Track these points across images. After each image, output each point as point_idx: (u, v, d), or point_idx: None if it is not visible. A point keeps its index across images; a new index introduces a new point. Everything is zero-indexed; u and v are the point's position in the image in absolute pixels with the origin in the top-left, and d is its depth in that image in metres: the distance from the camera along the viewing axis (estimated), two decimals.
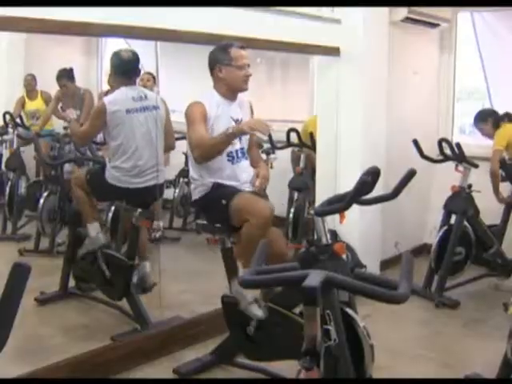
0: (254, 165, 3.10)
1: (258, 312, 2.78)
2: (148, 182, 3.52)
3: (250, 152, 3.14)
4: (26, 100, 5.65)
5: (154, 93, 3.68)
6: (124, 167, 3.46)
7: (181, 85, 5.57)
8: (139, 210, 3.50)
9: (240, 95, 3.06)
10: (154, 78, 4.98)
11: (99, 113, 3.44)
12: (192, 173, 3.04)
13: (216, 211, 2.94)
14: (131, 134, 3.44)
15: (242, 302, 2.83)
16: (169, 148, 3.75)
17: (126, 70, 3.52)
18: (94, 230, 3.58)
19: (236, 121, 2.99)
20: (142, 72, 3.98)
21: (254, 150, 3.22)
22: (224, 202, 2.86)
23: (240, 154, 3.02)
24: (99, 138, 4.22)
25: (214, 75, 2.97)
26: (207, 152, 2.84)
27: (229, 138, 2.79)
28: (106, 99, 3.51)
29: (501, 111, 4.65)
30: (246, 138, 3.10)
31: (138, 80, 3.76)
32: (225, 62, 2.91)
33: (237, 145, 3.01)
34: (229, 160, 2.97)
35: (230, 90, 2.98)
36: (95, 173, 3.69)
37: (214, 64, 2.95)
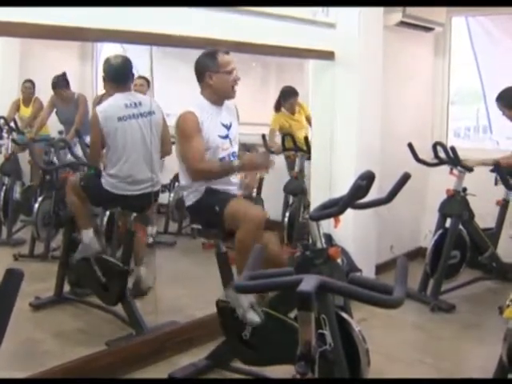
0: None
1: (255, 318, 2.77)
2: (144, 189, 3.52)
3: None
4: (21, 106, 5.63)
5: (149, 97, 3.66)
6: (119, 175, 3.46)
7: (175, 89, 5.56)
8: (134, 214, 3.50)
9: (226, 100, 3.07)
10: (148, 82, 4.97)
11: (93, 122, 3.47)
12: (183, 180, 3.04)
13: (210, 217, 2.94)
14: (124, 142, 3.44)
15: (238, 310, 2.81)
16: (165, 153, 3.74)
17: (117, 76, 3.51)
18: (87, 236, 3.58)
19: (226, 126, 3.00)
20: (135, 76, 3.97)
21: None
22: (217, 208, 2.87)
23: (233, 158, 3.03)
24: None
25: (203, 82, 2.96)
26: (206, 175, 2.91)
27: (232, 171, 2.92)
28: (98, 108, 3.52)
29: (496, 115, 4.67)
30: (237, 141, 3.11)
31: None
32: (214, 68, 2.90)
33: (229, 149, 3.02)
34: None
35: (218, 96, 2.98)
36: (90, 178, 3.67)
37: (203, 71, 2.94)
